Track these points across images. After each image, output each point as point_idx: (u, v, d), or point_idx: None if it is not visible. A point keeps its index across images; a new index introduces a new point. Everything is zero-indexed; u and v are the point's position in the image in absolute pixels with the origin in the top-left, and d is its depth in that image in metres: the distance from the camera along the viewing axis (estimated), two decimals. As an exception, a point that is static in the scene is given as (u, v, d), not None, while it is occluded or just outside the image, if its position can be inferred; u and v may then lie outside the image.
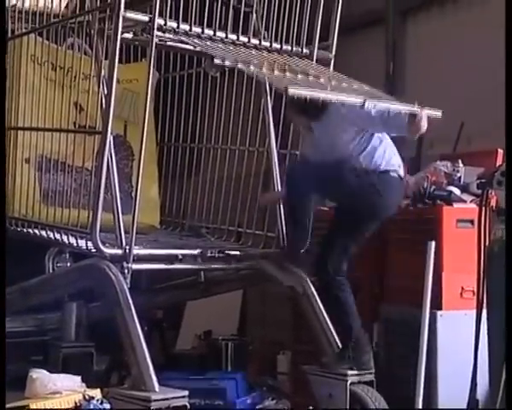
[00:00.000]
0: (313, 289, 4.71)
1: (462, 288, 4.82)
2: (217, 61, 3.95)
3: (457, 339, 4.63)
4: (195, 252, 4.49)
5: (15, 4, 4.95)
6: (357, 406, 4.43)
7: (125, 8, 3.96)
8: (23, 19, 4.82)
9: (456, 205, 5.04)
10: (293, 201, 4.47)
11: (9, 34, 4.89)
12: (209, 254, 4.52)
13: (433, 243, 4.82)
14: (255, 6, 4.64)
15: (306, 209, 4.47)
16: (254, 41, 4.50)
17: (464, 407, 3.75)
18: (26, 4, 4.92)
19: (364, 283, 5.24)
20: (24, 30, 4.82)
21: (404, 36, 7.77)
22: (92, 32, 4.24)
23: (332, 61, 4.73)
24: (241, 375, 5.74)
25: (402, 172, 4.55)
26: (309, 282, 4.71)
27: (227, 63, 4.00)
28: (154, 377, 3.74)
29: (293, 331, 5.81)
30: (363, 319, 4.66)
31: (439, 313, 4.81)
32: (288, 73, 3.96)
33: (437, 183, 5.24)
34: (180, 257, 4.37)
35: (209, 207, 5.30)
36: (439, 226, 4.91)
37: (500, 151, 5.22)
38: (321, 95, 3.77)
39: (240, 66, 3.97)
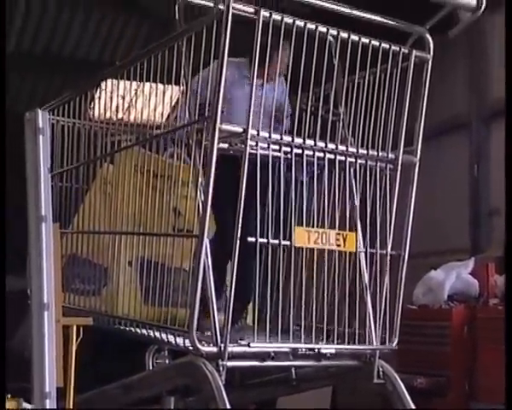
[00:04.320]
0: (403, 386, 4.75)
1: (556, 388, 4.76)
2: None
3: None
4: (287, 349, 4.62)
5: (122, 117, 5.37)
6: None
7: (221, 120, 4.26)
8: (128, 131, 5.22)
9: (545, 304, 5.03)
10: None
11: (116, 146, 5.32)
12: (300, 352, 4.65)
13: (524, 342, 4.81)
14: (342, 115, 4.88)
15: None
16: (342, 147, 4.72)
17: None
18: (132, 117, 5.34)
19: (455, 381, 5.25)
20: (129, 141, 5.21)
21: (487, 139, 7.84)
22: (191, 142, 4.54)
23: (417, 166, 4.88)
24: None
25: None
26: (399, 379, 4.76)
27: None
28: None
29: (383, 428, 5.81)
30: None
31: (531, 413, 4.76)
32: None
33: (525, 282, 5.24)
34: (272, 355, 4.51)
35: (299, 304, 5.42)
36: (529, 325, 4.90)
37: None
38: None
39: None
